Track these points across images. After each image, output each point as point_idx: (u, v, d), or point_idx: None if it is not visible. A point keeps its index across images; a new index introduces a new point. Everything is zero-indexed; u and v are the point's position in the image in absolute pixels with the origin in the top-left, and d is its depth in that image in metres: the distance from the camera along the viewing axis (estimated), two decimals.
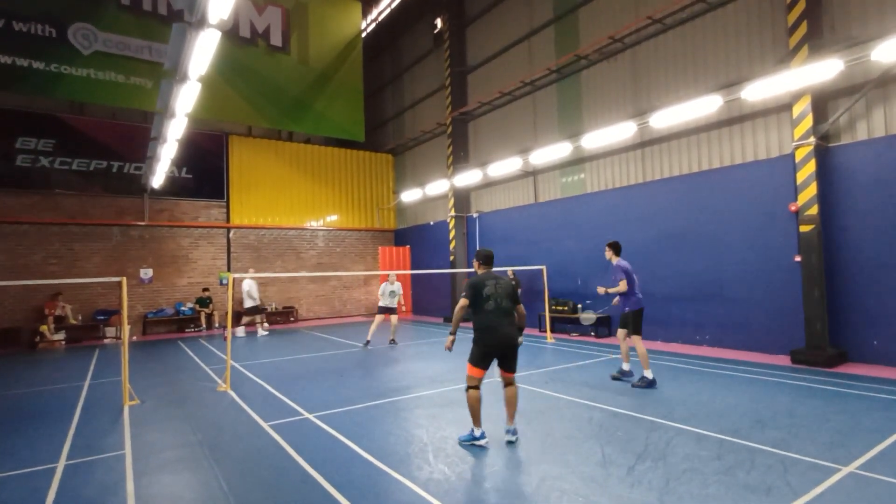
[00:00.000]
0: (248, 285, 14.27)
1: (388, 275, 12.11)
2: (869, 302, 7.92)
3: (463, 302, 4.87)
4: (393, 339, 11.87)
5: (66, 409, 6.65)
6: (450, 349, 4.92)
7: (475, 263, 5.31)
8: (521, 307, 5.07)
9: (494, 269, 5.28)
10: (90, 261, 14.97)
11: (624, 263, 7.24)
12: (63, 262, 14.58)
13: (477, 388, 4.79)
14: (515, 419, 4.94)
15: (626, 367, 7.32)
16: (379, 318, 11.97)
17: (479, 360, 4.79)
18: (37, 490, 4.06)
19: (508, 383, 4.95)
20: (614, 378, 7.33)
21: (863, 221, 8.01)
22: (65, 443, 5.25)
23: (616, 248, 7.46)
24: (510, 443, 4.79)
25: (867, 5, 7.98)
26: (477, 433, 4.76)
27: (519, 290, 13.13)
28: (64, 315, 14.17)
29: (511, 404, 4.90)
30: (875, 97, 7.96)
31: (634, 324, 7.09)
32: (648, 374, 6.85)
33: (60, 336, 13.81)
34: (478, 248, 5.51)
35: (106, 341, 14.28)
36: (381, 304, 11.82)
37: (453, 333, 4.89)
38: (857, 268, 8.07)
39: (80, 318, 14.62)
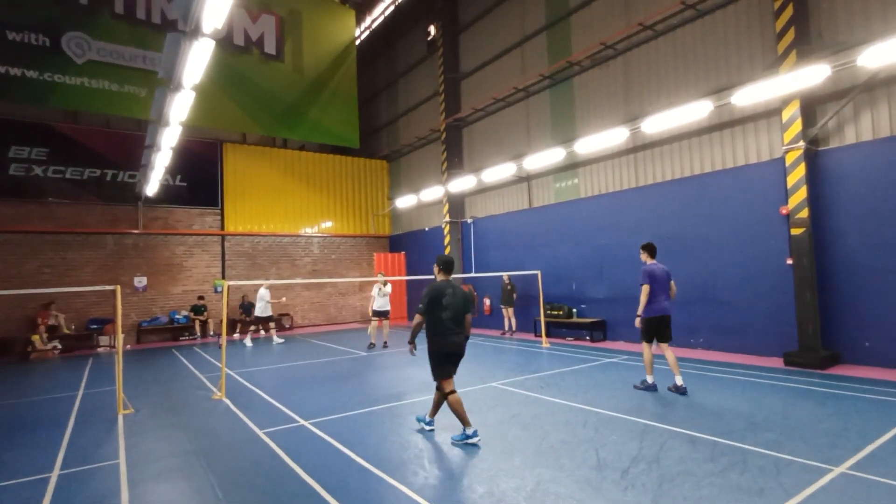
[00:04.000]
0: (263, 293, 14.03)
1: (377, 277, 12.45)
2: (860, 304, 8.00)
3: (419, 318, 5.10)
4: (385, 343, 12.33)
5: (60, 419, 6.60)
6: (413, 354, 5.34)
7: (435, 269, 5.38)
8: (469, 317, 5.30)
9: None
10: (84, 270, 14.90)
11: (649, 267, 6.76)
12: (56, 271, 14.50)
13: (454, 391, 5.10)
14: (436, 416, 5.44)
15: (649, 379, 6.84)
16: (375, 322, 12.24)
17: (442, 370, 5.11)
18: (30, 500, 4.04)
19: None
20: (636, 387, 6.94)
21: (853, 224, 8.10)
22: (58, 453, 5.22)
23: (650, 250, 6.90)
24: (432, 430, 5.36)
25: (853, 11, 8.11)
26: (469, 431, 4.94)
27: (514, 296, 13.45)
28: (57, 324, 14.08)
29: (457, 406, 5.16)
30: (862, 101, 8.08)
31: (647, 331, 6.77)
32: (649, 378, 6.81)
33: (53, 345, 13.71)
34: (438, 255, 5.44)
35: (99, 350, 14.20)
36: (376, 307, 12.09)
37: (412, 342, 5.28)
38: (847, 270, 8.15)
39: (73, 327, 14.54)
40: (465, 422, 4.97)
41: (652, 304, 6.71)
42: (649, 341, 6.87)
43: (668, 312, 6.79)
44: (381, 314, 12.15)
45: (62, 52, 13.72)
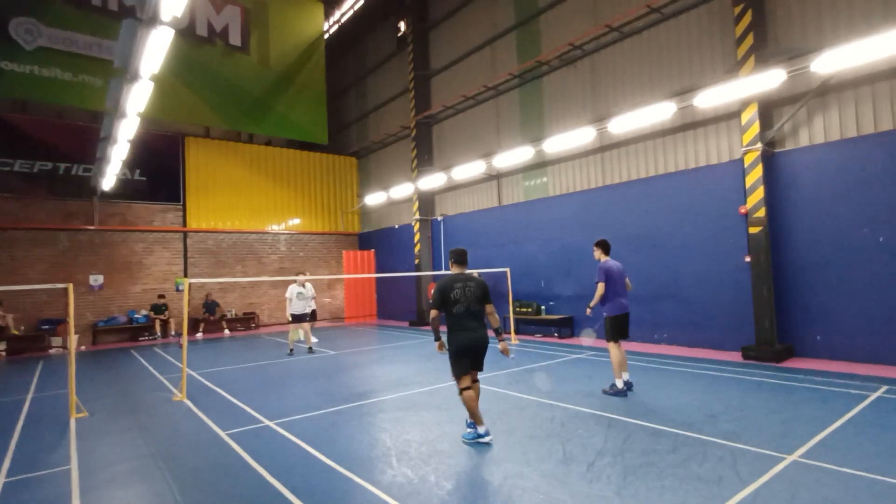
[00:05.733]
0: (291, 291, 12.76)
1: (296, 278, 11.42)
2: (812, 299, 8.36)
3: (433, 313, 4.90)
4: (300, 348, 11.46)
5: (6, 424, 6.26)
6: (442, 351, 5.05)
7: (450, 262, 5.27)
8: (490, 306, 5.10)
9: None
10: (34, 268, 14.18)
11: (604, 264, 6.57)
12: (3, 269, 13.74)
13: (469, 388, 4.86)
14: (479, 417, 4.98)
15: (625, 376, 6.49)
16: (306, 326, 11.51)
17: (456, 367, 4.90)
18: None
19: (473, 380, 4.98)
20: (605, 392, 6.55)
21: (805, 223, 8.46)
22: (4, 459, 4.94)
23: (604, 247, 6.73)
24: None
25: (807, 19, 8.46)
26: (481, 430, 4.81)
27: None
28: (4, 325, 13.36)
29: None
30: (815, 106, 8.44)
31: (614, 330, 6.52)
32: (619, 383, 6.43)
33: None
34: (452, 248, 5.31)
35: (51, 352, 13.55)
36: (292, 311, 11.11)
37: (438, 339, 5.02)
38: (800, 267, 8.50)
39: (22, 328, 13.82)
40: (477, 420, 4.81)
41: (613, 301, 6.51)
42: (617, 340, 6.54)
43: (628, 310, 6.64)
44: (301, 318, 11.26)
45: (10, 37, 13.00)
